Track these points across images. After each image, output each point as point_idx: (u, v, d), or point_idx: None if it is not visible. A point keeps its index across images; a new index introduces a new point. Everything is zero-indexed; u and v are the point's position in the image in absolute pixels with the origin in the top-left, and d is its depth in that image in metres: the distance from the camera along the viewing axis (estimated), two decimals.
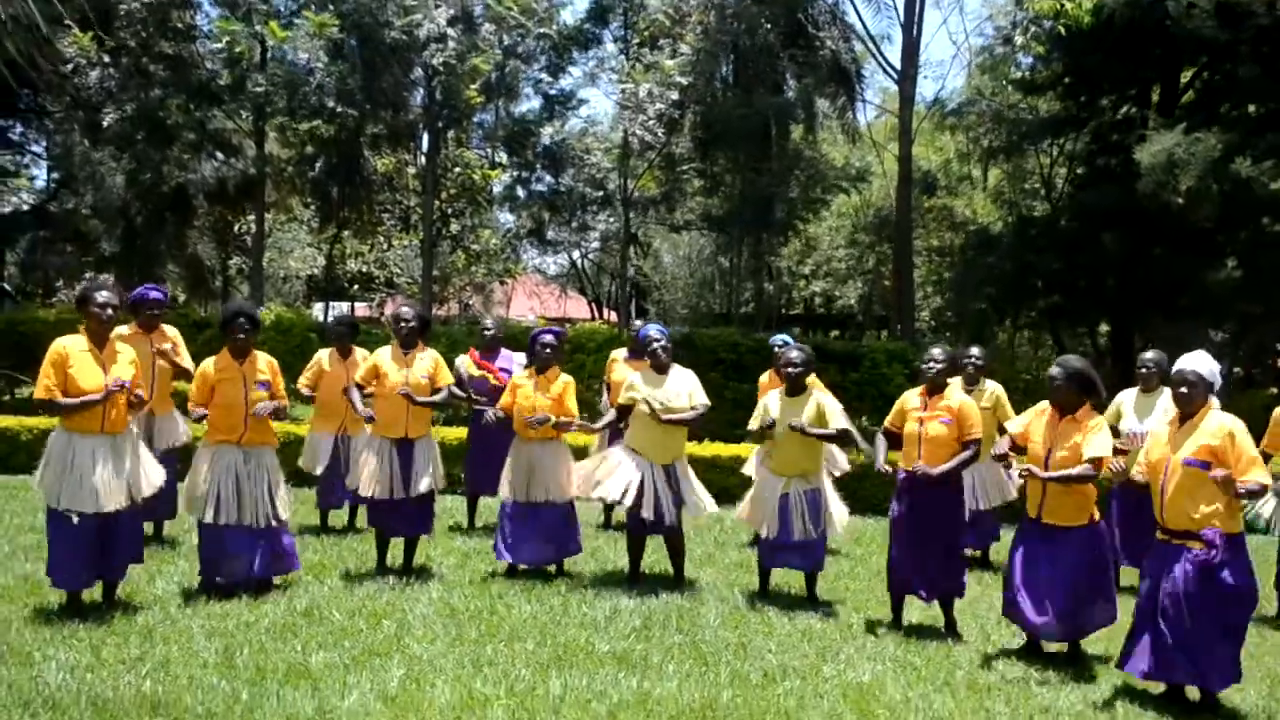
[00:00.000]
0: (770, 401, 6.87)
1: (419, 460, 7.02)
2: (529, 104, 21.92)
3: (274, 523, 6.41)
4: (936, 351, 6.45)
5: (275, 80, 16.89)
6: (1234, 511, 5.05)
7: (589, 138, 21.50)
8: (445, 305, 27.69)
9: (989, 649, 6.05)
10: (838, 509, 6.97)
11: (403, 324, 7.13)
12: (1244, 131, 15.16)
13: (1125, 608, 5.76)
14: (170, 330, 7.56)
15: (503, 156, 21.38)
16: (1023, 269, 18.50)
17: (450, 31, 17.02)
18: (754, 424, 6.91)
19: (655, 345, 7.03)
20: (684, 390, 6.92)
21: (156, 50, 17.51)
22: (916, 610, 6.62)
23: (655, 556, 7.55)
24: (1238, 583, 5.02)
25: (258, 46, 17.34)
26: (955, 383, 7.08)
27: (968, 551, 8.40)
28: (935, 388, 6.38)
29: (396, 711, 4.57)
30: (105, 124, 17.06)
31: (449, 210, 21.86)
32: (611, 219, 22.31)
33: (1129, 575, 7.04)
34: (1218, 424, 5.09)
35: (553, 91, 21.65)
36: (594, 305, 33.39)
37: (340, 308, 28.02)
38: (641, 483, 6.83)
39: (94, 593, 5.98)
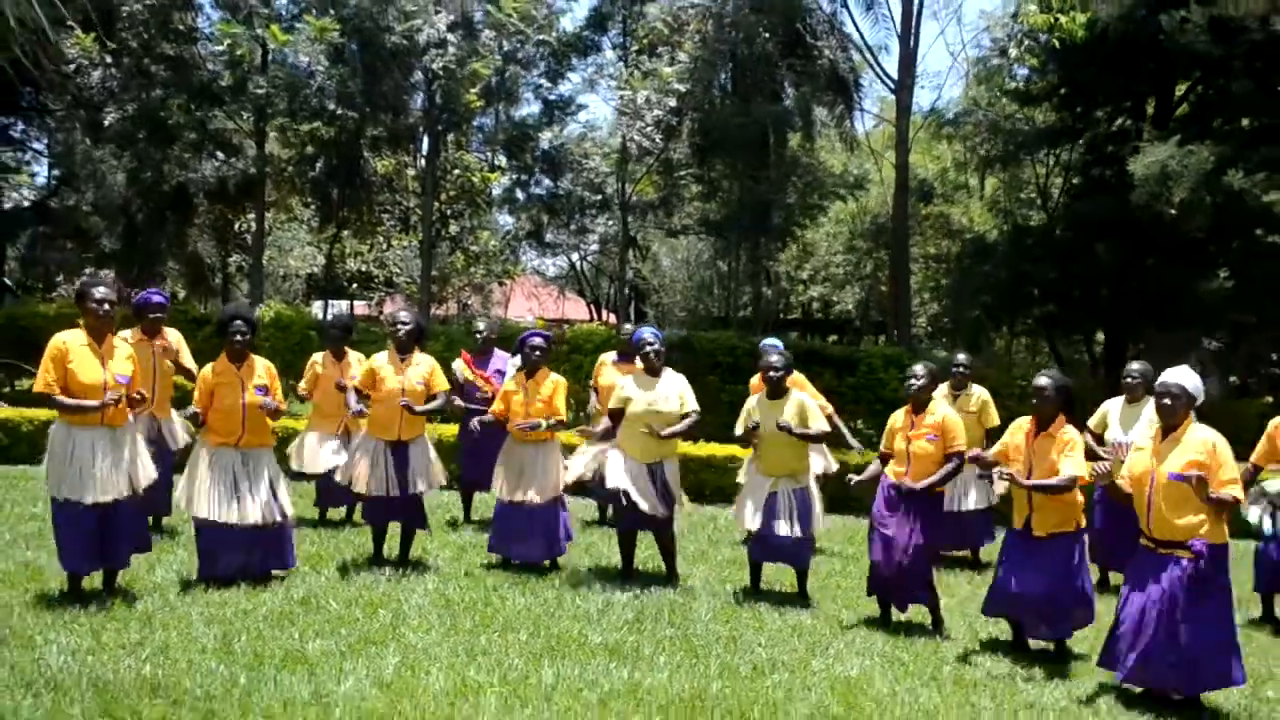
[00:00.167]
0: (752, 405, 7.00)
1: (414, 461, 7.12)
2: (528, 109, 22.05)
3: (276, 519, 6.51)
4: (919, 368, 6.58)
5: (276, 82, 17.00)
6: (1220, 522, 5.15)
7: (588, 143, 21.64)
8: (444, 305, 27.77)
9: (976, 647, 6.15)
10: (819, 509, 7.07)
11: (399, 327, 7.21)
12: (1237, 145, 15.25)
13: (1108, 606, 5.87)
14: (172, 334, 7.66)
15: (502, 160, 21.49)
16: (1018, 277, 18.59)
17: (450, 37, 17.14)
18: (739, 429, 7.02)
19: (648, 348, 7.11)
20: (674, 394, 7.00)
21: (158, 51, 17.63)
22: (908, 609, 6.71)
23: (649, 553, 7.65)
24: (1224, 591, 5.15)
25: (259, 49, 17.46)
26: (940, 394, 7.20)
27: (956, 553, 8.55)
28: (919, 404, 6.51)
29: (392, 697, 4.66)
30: (107, 123, 17.17)
31: (448, 212, 21.94)
32: (610, 222, 22.45)
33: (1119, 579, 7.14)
34: (1200, 438, 5.19)
35: (552, 97, 21.77)
36: (593, 307, 33.47)
37: (340, 306, 28.09)
38: (641, 482, 6.95)
39: (94, 580, 6.06)
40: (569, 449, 8.10)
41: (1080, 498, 5.88)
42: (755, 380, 8.80)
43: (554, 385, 7.35)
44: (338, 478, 7.54)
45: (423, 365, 7.19)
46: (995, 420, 8.22)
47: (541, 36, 19.28)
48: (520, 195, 21.73)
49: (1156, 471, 5.21)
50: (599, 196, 21.07)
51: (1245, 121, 16.56)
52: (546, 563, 7.41)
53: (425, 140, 19.80)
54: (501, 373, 8.62)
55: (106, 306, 5.85)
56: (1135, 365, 7.75)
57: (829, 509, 7.48)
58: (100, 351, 5.83)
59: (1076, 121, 18.88)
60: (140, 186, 18.57)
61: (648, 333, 7.29)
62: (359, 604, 6.12)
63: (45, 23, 5.74)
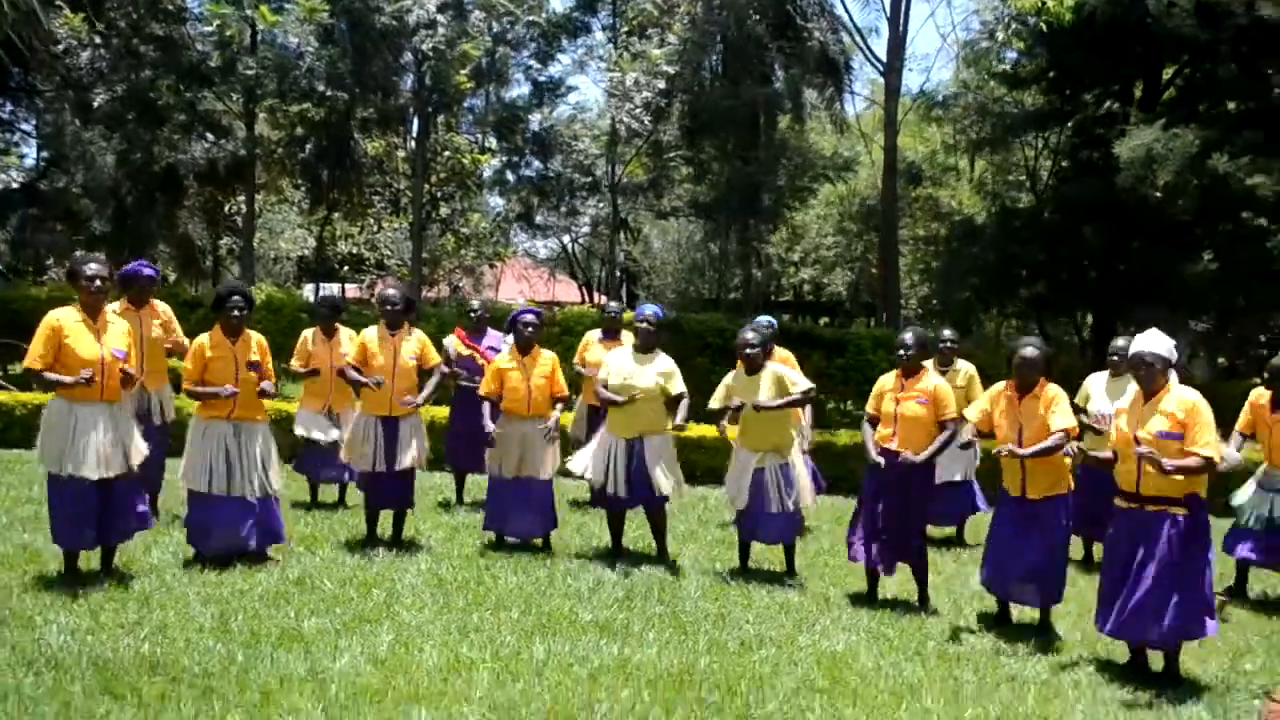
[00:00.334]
0: (730, 381, 7.07)
1: (404, 437, 7.18)
2: (518, 90, 22.07)
3: (267, 493, 6.59)
4: (909, 336, 6.64)
5: (265, 63, 17.00)
6: (1202, 477, 5.27)
7: (577, 124, 21.68)
8: (435, 287, 27.77)
9: (961, 622, 6.26)
10: (806, 482, 7.17)
11: (388, 306, 7.28)
12: (1223, 128, 15.36)
13: (1090, 582, 5.98)
14: (161, 305, 7.63)
15: (492, 141, 21.52)
16: (1006, 259, 18.70)
17: (440, 18, 17.13)
18: (715, 403, 7.10)
19: (641, 324, 7.20)
20: (654, 374, 7.06)
21: (147, 32, 17.60)
22: (892, 585, 6.81)
23: (640, 533, 7.74)
24: (1207, 540, 5.32)
25: (248, 30, 17.42)
26: (930, 366, 7.29)
27: (942, 530, 8.66)
28: (910, 371, 6.58)
29: (386, 673, 4.75)
30: (96, 104, 17.16)
31: (439, 194, 21.95)
32: (600, 204, 22.47)
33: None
34: (1179, 397, 5.29)
35: (542, 78, 21.81)
36: (584, 289, 33.47)
37: (330, 289, 28.05)
38: (609, 460, 7.10)
39: (92, 561, 6.13)
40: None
41: (1068, 460, 5.98)
42: None
43: (551, 362, 7.45)
44: (341, 456, 7.65)
45: (413, 341, 7.27)
46: (980, 395, 8.32)
47: (531, 18, 19.31)
48: (510, 177, 21.77)
49: (1142, 433, 5.29)
50: (589, 179, 21.10)
51: (1231, 105, 16.66)
52: (538, 541, 7.51)
53: (415, 122, 19.81)
54: (496, 350, 8.66)
55: (99, 283, 5.91)
56: (1119, 341, 7.85)
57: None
58: (95, 327, 5.89)
59: (1065, 104, 18.96)
60: (130, 168, 18.55)
61: (649, 310, 7.37)
62: (353, 583, 6.21)
63: (37, 4, 5.76)
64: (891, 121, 19.90)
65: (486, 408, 7.37)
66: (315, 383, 8.56)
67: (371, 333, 7.26)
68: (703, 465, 10.54)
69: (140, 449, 6.12)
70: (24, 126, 24.32)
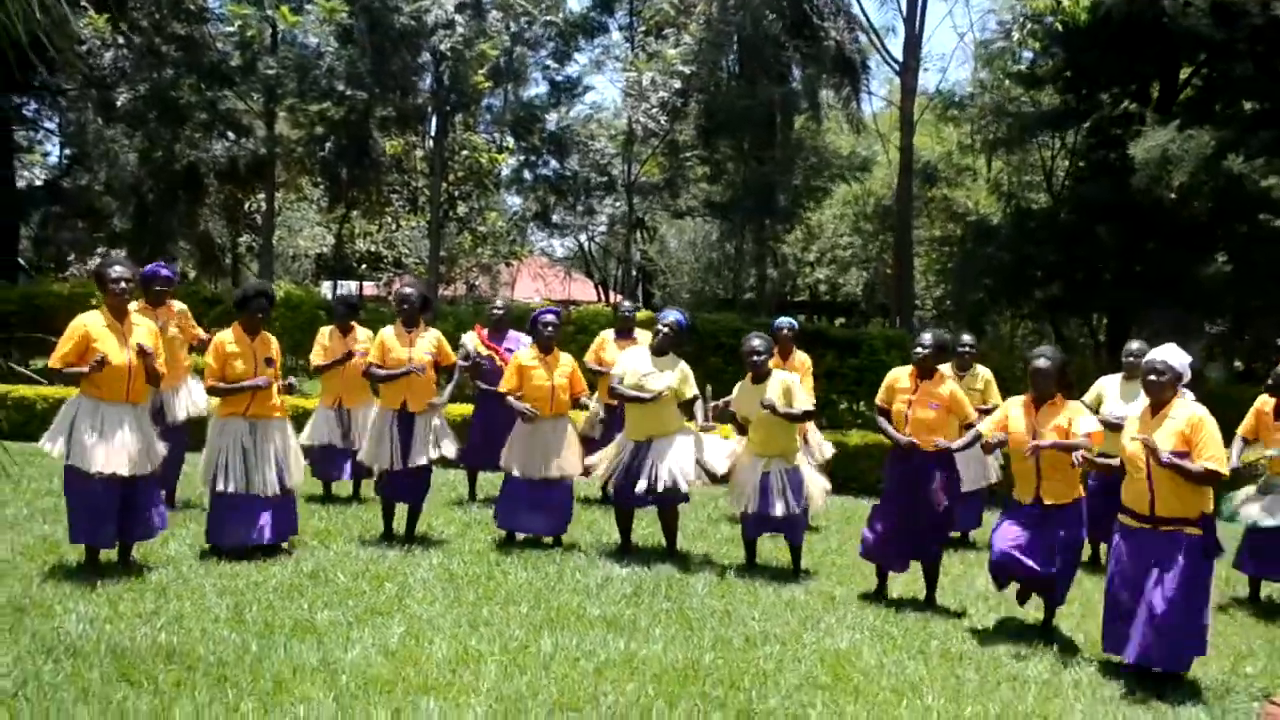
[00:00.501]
0: (738, 391, 7.18)
1: (419, 433, 7.27)
2: (536, 90, 22.13)
3: (282, 490, 6.72)
4: (927, 336, 6.63)
5: (286, 63, 17.13)
6: (1209, 493, 5.32)
7: (594, 124, 21.69)
8: (452, 286, 27.90)
9: (967, 623, 6.32)
10: (817, 486, 7.23)
11: (405, 305, 7.38)
12: (1239, 129, 15.32)
13: (1096, 584, 6.03)
14: (177, 305, 7.83)
15: (509, 141, 21.58)
16: (1021, 260, 18.67)
17: (458, 18, 17.21)
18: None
19: (662, 327, 7.27)
20: (664, 375, 7.12)
21: (169, 32, 17.74)
22: (899, 584, 6.89)
23: (650, 530, 7.83)
24: (1213, 561, 5.36)
25: (268, 30, 17.57)
26: (947, 369, 7.32)
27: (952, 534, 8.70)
28: (925, 372, 6.59)
29: (396, 664, 4.86)
30: (118, 103, 17.31)
31: (456, 192, 22.04)
32: (617, 203, 22.52)
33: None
34: (1187, 413, 5.31)
35: (559, 78, 21.87)
36: (600, 288, 33.54)
37: (349, 286, 28.24)
38: (617, 459, 7.25)
39: (110, 552, 6.26)
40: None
41: (1075, 469, 5.99)
42: None
43: (571, 363, 7.58)
44: (360, 457, 7.74)
45: (429, 338, 7.37)
46: (998, 399, 8.35)
47: (549, 17, 19.38)
48: (528, 176, 21.83)
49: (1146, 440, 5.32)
50: (605, 178, 21.16)
51: (1247, 106, 16.60)
52: (549, 539, 7.59)
53: (433, 121, 19.88)
54: (513, 351, 8.72)
55: (124, 285, 6.06)
56: (1134, 344, 7.87)
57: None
58: (122, 330, 6.03)
59: (1081, 104, 18.90)
60: (151, 166, 18.72)
61: (672, 315, 7.45)
62: (366, 577, 6.33)
63: (66, 5, 5.90)
64: (907, 121, 19.89)
65: (512, 400, 7.41)
66: (329, 378, 8.67)
67: (389, 331, 7.37)
68: None
69: (159, 448, 6.26)
70: (48, 125, 24.64)
